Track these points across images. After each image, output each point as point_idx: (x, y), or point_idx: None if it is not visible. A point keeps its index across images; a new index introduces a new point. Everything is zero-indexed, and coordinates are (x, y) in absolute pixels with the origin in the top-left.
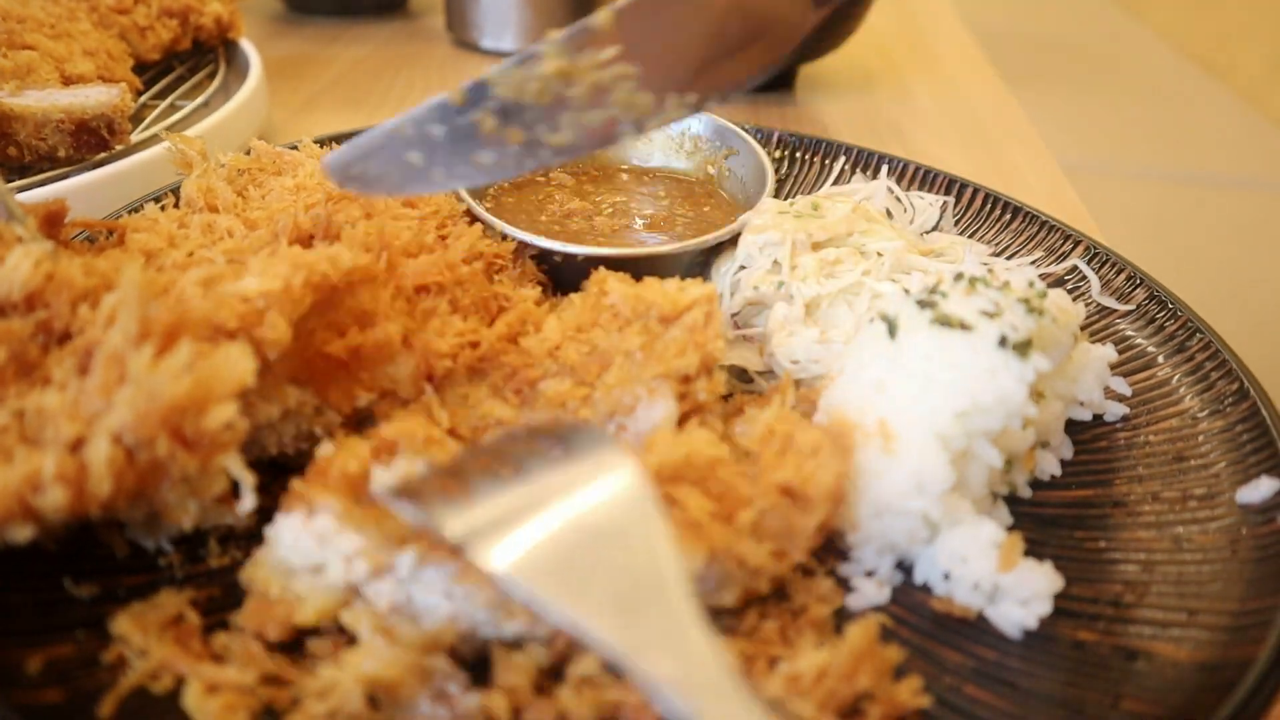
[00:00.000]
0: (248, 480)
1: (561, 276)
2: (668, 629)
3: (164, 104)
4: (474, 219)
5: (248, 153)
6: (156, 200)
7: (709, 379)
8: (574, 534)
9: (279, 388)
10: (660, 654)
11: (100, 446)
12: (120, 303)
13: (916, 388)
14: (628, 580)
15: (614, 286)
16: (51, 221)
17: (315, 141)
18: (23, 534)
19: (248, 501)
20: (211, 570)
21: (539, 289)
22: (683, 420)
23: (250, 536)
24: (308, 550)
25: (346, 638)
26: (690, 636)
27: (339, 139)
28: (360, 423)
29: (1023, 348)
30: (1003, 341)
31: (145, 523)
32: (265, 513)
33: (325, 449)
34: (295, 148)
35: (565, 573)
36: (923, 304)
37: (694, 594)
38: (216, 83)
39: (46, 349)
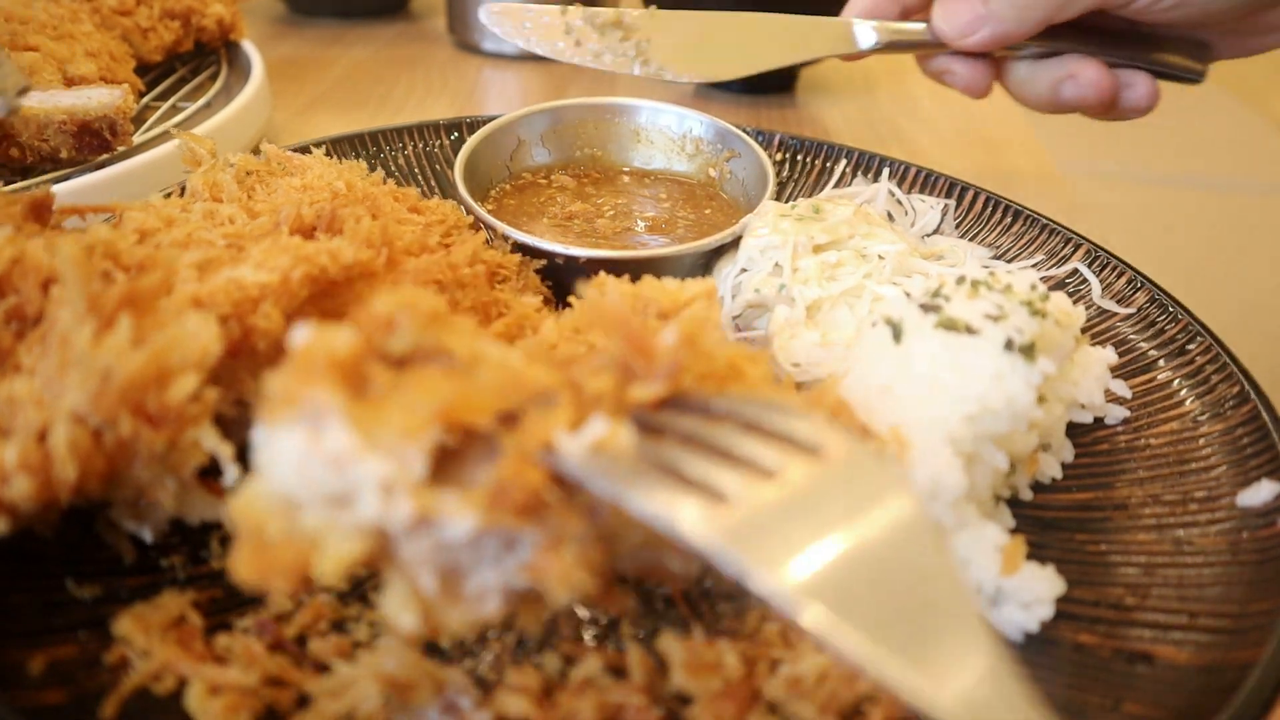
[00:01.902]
0: (224, 451)
1: (562, 280)
2: (989, 683)
3: (166, 105)
4: (478, 228)
5: (256, 153)
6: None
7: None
8: (866, 566)
9: (271, 368)
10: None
11: (59, 431)
12: (62, 283)
13: (924, 392)
14: (928, 618)
15: (612, 286)
16: (39, 210)
17: (324, 142)
18: None
19: (229, 474)
20: (214, 571)
21: (540, 299)
22: None
23: None
24: (320, 479)
25: (351, 640)
26: (1009, 687)
27: (345, 141)
28: None
29: (1029, 350)
30: (1009, 344)
31: (135, 505)
32: None
33: (300, 335)
34: (306, 151)
35: (869, 611)
36: (926, 307)
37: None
38: (219, 84)
39: (21, 335)
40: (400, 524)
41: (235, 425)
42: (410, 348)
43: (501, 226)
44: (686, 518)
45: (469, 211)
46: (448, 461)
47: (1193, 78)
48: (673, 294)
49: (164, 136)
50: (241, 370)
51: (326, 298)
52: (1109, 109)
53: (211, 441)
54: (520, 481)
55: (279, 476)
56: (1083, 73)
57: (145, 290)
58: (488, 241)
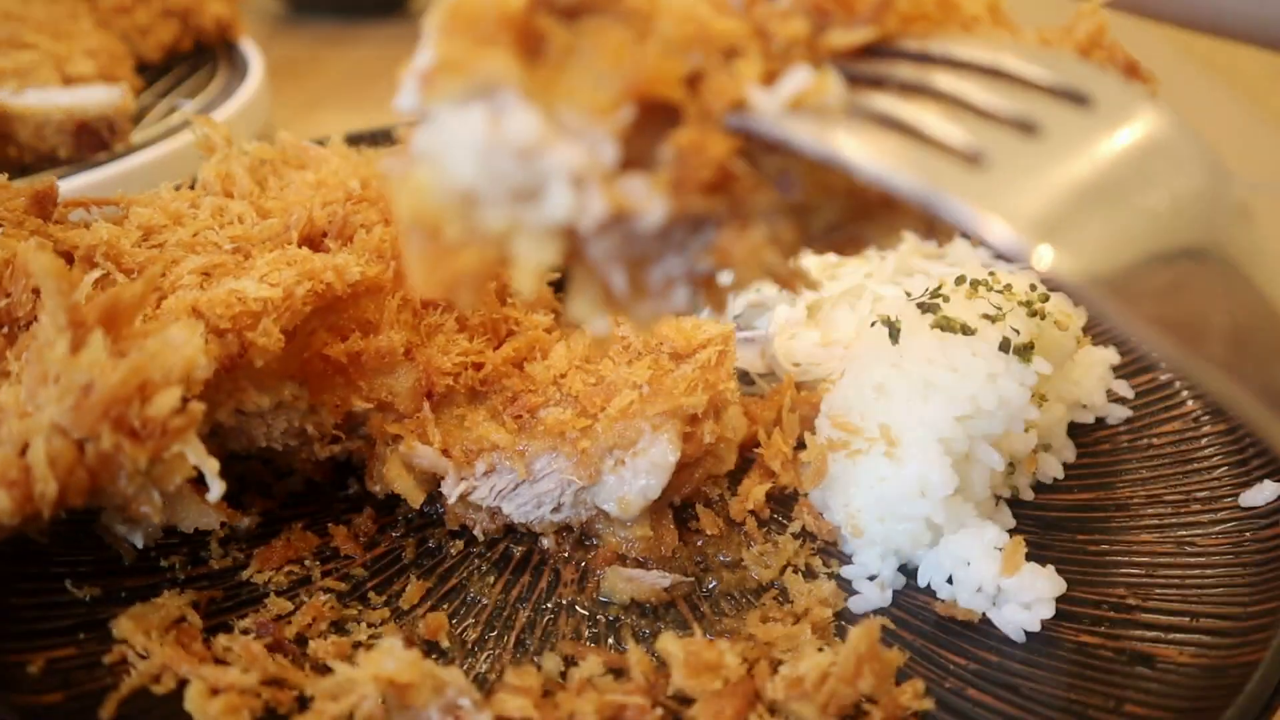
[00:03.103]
0: (210, 466)
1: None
2: None
3: (164, 104)
4: None
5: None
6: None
7: (717, 422)
8: (1163, 244)
9: (272, 379)
10: None
11: (39, 445)
12: (44, 294)
13: (918, 391)
14: (1245, 316)
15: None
16: (42, 202)
17: (342, 138)
18: None
19: (214, 490)
20: (213, 572)
21: (552, 316)
22: (687, 464)
23: (251, 539)
24: (502, 171)
25: (351, 640)
26: None
27: (355, 139)
28: (352, 429)
29: (1024, 351)
30: (1004, 345)
31: (125, 512)
32: (268, 515)
33: None
34: (322, 143)
35: (1166, 291)
36: (924, 307)
37: None
38: (217, 83)
39: (11, 339)
40: (593, 222)
41: (234, 434)
42: None
43: None
44: (922, 173)
45: None
46: (625, 136)
47: None
48: (687, 334)
49: (165, 135)
50: (241, 379)
51: (331, 311)
52: None
53: (197, 455)
54: (704, 155)
55: (453, 166)
56: None
57: (127, 301)
58: None
